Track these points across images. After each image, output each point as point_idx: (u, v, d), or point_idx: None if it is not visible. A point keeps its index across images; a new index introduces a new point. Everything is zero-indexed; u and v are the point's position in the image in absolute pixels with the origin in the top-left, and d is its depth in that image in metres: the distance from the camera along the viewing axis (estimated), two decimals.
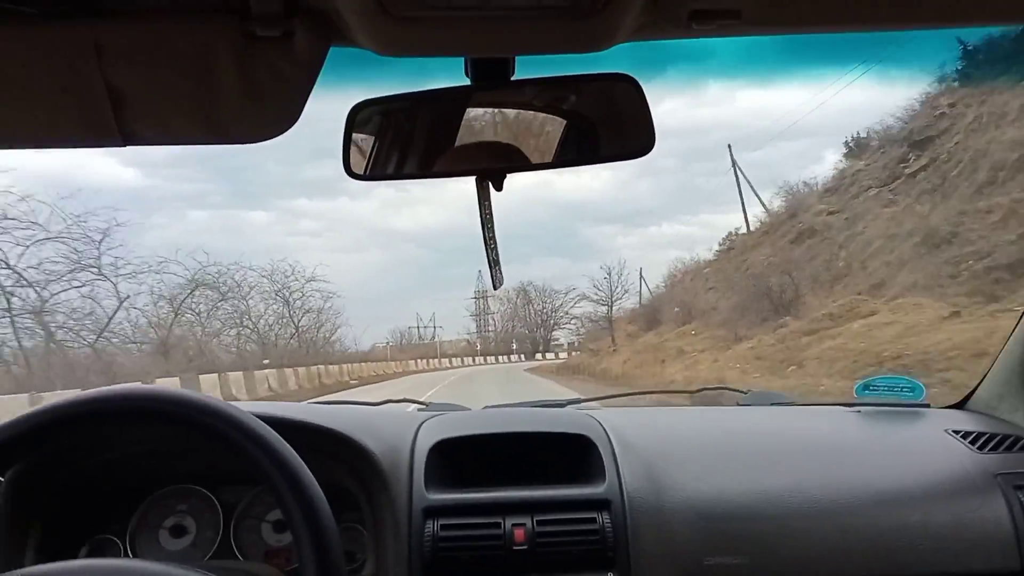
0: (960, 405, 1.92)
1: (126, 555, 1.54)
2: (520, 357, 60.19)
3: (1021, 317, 1.77)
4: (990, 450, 1.62)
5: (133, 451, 1.53)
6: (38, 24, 0.75)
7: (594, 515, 1.42)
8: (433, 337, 63.79)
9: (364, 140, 1.06)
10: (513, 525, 1.40)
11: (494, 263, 1.10)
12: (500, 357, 59.04)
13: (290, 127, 0.85)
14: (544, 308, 68.19)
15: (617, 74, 0.97)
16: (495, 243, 1.08)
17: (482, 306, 68.20)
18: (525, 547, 1.39)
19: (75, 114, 0.82)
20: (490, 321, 69.20)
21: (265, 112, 0.84)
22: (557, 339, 65.37)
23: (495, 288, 1.14)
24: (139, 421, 1.17)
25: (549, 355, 58.21)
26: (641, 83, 0.96)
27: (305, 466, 1.06)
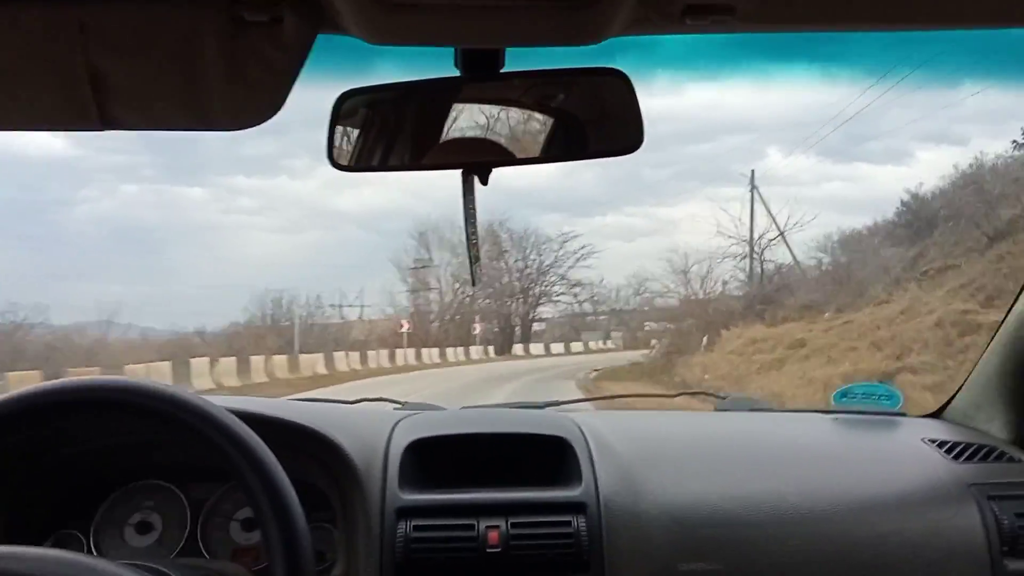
0: (937, 414, 1.93)
1: (89, 551, 1.51)
2: (488, 351, 39.19)
3: (998, 328, 1.79)
4: (965, 459, 1.63)
5: (100, 444, 1.50)
6: (22, 4, 0.73)
7: (569, 518, 1.41)
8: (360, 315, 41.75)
9: (350, 130, 1.04)
10: (487, 527, 1.39)
11: (475, 259, 1.09)
12: (450, 351, 35.84)
13: (273, 115, 0.84)
14: (528, 267, 46.42)
15: (608, 68, 0.96)
16: (476, 239, 1.06)
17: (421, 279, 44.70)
18: (499, 549, 1.38)
19: (55, 96, 0.80)
20: (432, 299, 45.75)
21: (249, 99, 0.82)
22: (540, 316, 47.78)
23: (474, 285, 1.13)
24: (108, 413, 1.15)
25: (537, 348, 41.65)
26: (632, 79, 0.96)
27: (277, 463, 1.05)
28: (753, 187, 29.14)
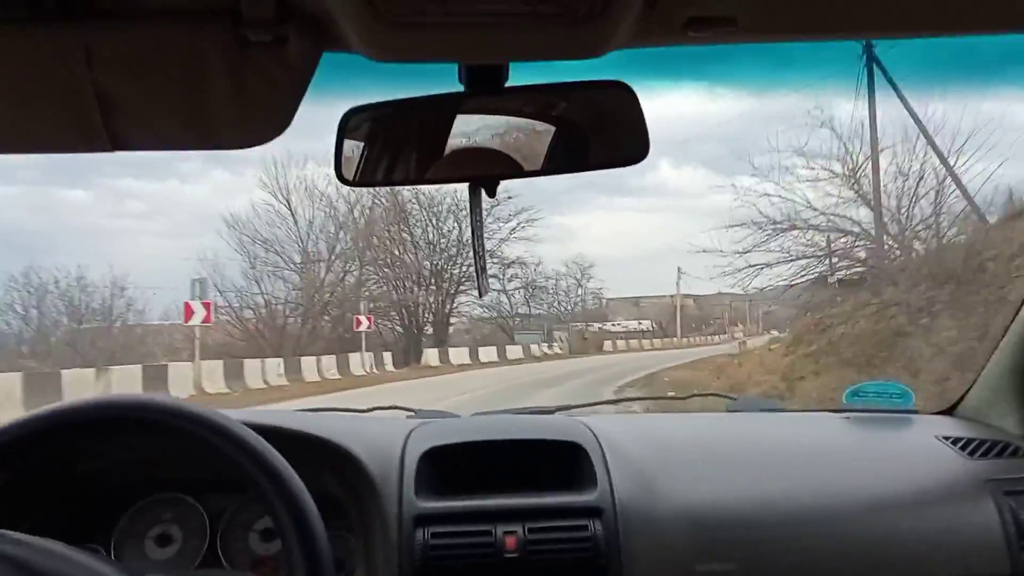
0: (949, 411, 1.92)
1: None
2: (383, 361, 27.02)
3: (1010, 323, 1.78)
4: (980, 456, 1.63)
5: (119, 459, 1.51)
6: (27, 28, 0.74)
7: (586, 523, 1.41)
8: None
9: (356, 146, 1.05)
10: (504, 533, 1.39)
11: (482, 270, 1.10)
12: (308, 363, 23.02)
13: (281, 132, 0.85)
14: (444, 240, 34.45)
15: (612, 81, 0.97)
16: (483, 250, 1.07)
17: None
18: (516, 555, 1.38)
19: (64, 119, 0.81)
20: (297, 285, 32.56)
21: (256, 118, 0.83)
22: (460, 309, 35.76)
23: (480, 296, 1.13)
24: (128, 431, 1.16)
25: (459, 355, 30.08)
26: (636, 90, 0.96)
27: (295, 474, 1.05)
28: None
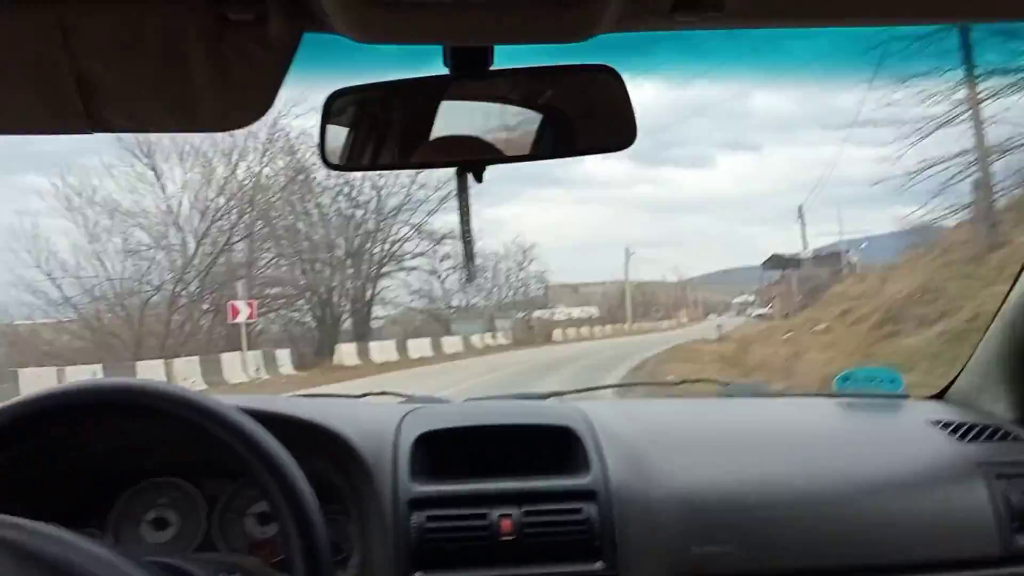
0: (940, 396, 1.93)
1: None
2: (274, 362, 20.74)
3: (999, 308, 1.79)
4: (971, 440, 1.64)
5: (115, 444, 1.51)
6: (3, 6, 0.73)
7: (580, 505, 1.42)
8: None
9: (341, 129, 1.05)
10: (500, 516, 1.40)
11: (470, 256, 1.09)
12: (149, 368, 15.77)
13: (263, 115, 0.84)
14: (361, 212, 28.99)
15: (598, 65, 0.96)
16: (471, 236, 1.07)
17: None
18: (512, 538, 1.39)
19: (41, 99, 0.80)
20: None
21: (237, 99, 0.82)
22: (383, 295, 30.29)
23: (470, 281, 1.13)
24: (121, 415, 1.16)
25: (384, 351, 25.04)
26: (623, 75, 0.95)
27: (290, 458, 1.06)
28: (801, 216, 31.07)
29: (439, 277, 32.75)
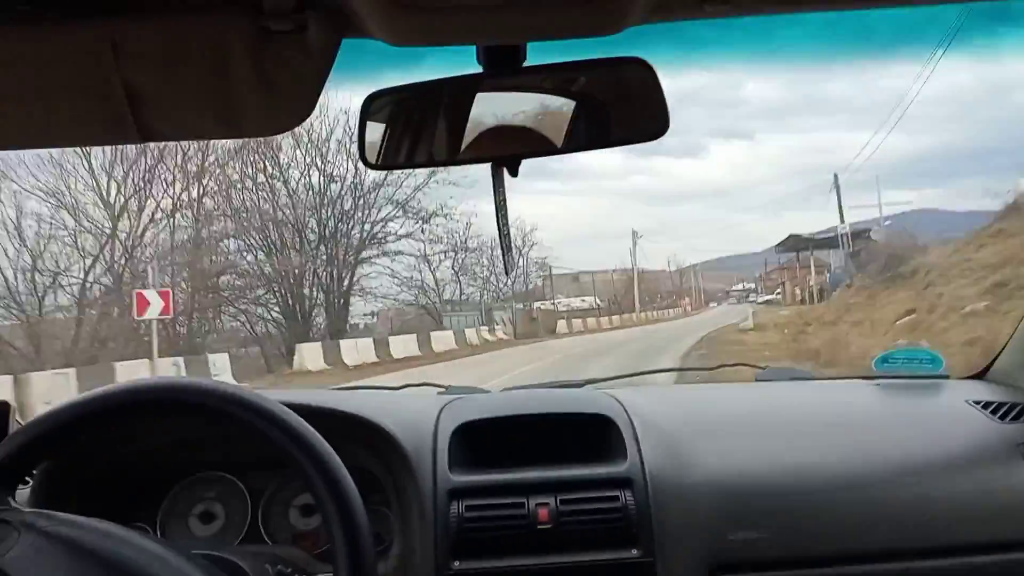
0: (980, 376, 1.91)
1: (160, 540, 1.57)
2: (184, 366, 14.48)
3: None
4: (1011, 420, 1.62)
5: (162, 441, 1.56)
6: (55, 24, 0.76)
7: (617, 493, 1.43)
8: None
9: (379, 129, 1.07)
10: (537, 504, 1.42)
11: (507, 248, 1.11)
12: None
13: (305, 119, 0.86)
14: (337, 186, 25.23)
15: (630, 58, 0.97)
16: (508, 229, 1.08)
17: None
18: (549, 526, 1.41)
19: (93, 112, 0.83)
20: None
21: (279, 105, 0.84)
22: (365, 283, 27.30)
23: (507, 274, 1.14)
24: (170, 413, 1.19)
25: (360, 351, 20.80)
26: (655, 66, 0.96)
27: (333, 452, 1.08)
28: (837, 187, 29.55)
29: (430, 264, 29.98)
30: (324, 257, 25.40)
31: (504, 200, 1.05)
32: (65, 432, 1.09)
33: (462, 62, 0.92)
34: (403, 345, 23.11)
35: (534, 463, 1.50)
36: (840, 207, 32.11)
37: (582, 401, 1.69)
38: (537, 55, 0.92)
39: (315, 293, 24.92)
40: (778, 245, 51.46)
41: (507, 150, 1.02)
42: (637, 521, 1.41)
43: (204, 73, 0.81)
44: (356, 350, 21.28)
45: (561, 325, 36.40)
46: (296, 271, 24.03)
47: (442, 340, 25.49)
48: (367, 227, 26.71)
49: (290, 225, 24.46)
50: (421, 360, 21.00)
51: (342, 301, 25.79)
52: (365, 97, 1.03)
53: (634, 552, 1.41)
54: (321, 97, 0.85)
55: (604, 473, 1.47)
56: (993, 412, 1.64)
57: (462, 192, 34.17)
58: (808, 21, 0.87)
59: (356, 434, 1.50)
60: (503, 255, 1.14)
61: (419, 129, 1.08)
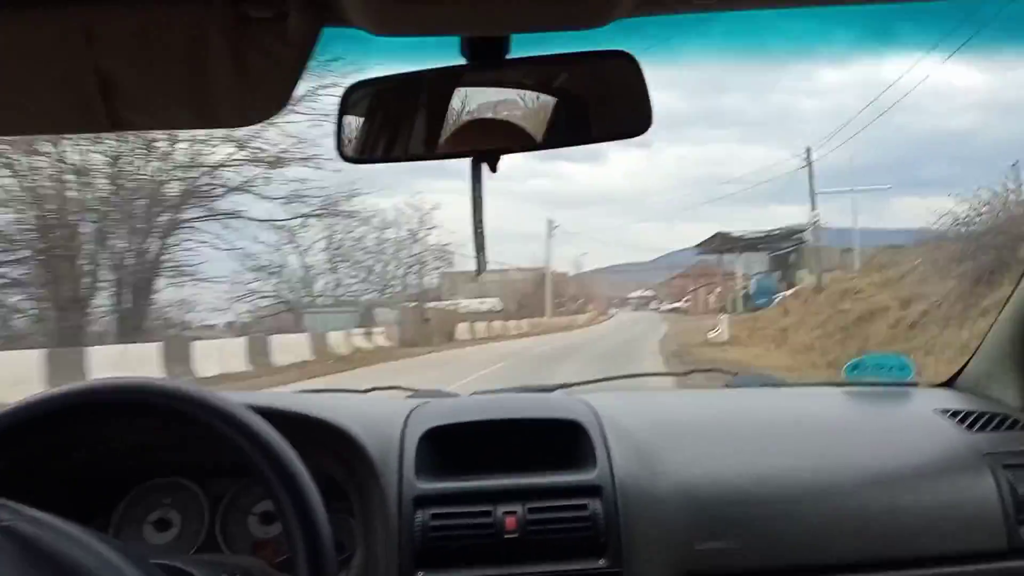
0: (949, 384, 1.93)
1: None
2: None
3: (1010, 296, 1.79)
4: (979, 429, 1.64)
5: (118, 444, 1.51)
6: (27, 10, 0.73)
7: (585, 502, 1.42)
8: None
9: (358, 121, 1.04)
10: (504, 513, 1.40)
11: (480, 248, 1.09)
12: None
13: (282, 109, 0.84)
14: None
15: (615, 51, 0.96)
16: (483, 227, 1.06)
17: None
18: (516, 535, 1.39)
19: (64, 101, 0.81)
20: None
21: (257, 95, 0.82)
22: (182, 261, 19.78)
23: (478, 273, 1.13)
24: (129, 414, 1.16)
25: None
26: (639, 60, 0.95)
27: (295, 456, 1.05)
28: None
29: (297, 246, 23.32)
30: (115, 214, 16.51)
31: (481, 197, 1.03)
32: (19, 433, 1.06)
33: (445, 53, 0.91)
34: (216, 356, 15.85)
35: (503, 469, 1.48)
36: (812, 189, 27.58)
37: (553, 406, 1.68)
38: (521, 48, 0.91)
39: (97, 277, 16.24)
40: (700, 245, 49.22)
41: (487, 144, 1.01)
42: (605, 530, 1.40)
43: (180, 61, 0.79)
44: (130, 360, 13.88)
45: (462, 329, 29.85)
46: (67, 234, 15.54)
47: (290, 348, 18.55)
48: (191, 184, 17.90)
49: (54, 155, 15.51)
50: (245, 379, 14.60)
51: (143, 290, 17.40)
52: (345, 88, 1.01)
53: (601, 562, 1.39)
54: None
55: (573, 481, 1.46)
56: (960, 421, 1.66)
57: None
58: (796, 15, 0.87)
59: (320, 439, 1.46)
60: (476, 253, 1.11)
61: (398, 122, 1.06)
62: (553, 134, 1.02)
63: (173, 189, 18.61)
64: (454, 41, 0.89)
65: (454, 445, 1.53)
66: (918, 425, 1.69)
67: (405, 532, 1.39)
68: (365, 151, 1.05)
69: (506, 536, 1.38)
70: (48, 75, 0.78)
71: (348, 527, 1.49)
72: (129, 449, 1.53)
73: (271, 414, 1.12)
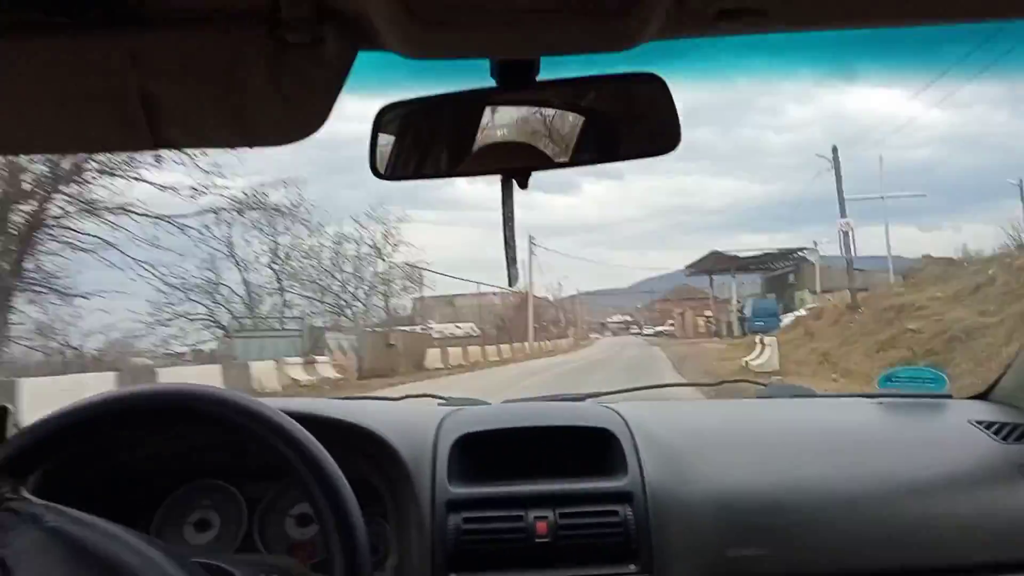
0: (983, 396, 1.91)
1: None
2: None
3: None
4: (1014, 440, 1.62)
5: (160, 447, 1.55)
6: (74, 34, 0.77)
7: (616, 508, 1.43)
8: None
9: (391, 141, 1.07)
10: (535, 518, 1.41)
11: (512, 261, 1.11)
12: None
13: (318, 129, 0.87)
14: None
15: (644, 73, 0.97)
16: (514, 242, 1.08)
17: None
18: (548, 540, 1.40)
19: (109, 120, 0.84)
20: None
21: (294, 116, 0.85)
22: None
23: (510, 285, 1.14)
24: (172, 420, 1.19)
25: None
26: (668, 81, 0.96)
27: (332, 461, 1.08)
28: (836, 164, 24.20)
29: (237, 261, 19.10)
30: None
31: (512, 213, 1.06)
32: (66, 436, 1.09)
33: (475, 76, 0.93)
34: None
35: (534, 476, 1.50)
36: (840, 191, 24.34)
37: (583, 414, 1.69)
38: (550, 70, 0.93)
39: None
40: (691, 265, 47.74)
41: (516, 163, 1.03)
42: (636, 536, 1.41)
43: (220, 84, 0.81)
44: None
45: (433, 356, 25.59)
46: None
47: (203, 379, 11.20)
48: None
49: None
50: None
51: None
52: (378, 109, 1.03)
53: (632, 568, 1.40)
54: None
55: (604, 487, 1.47)
56: (996, 432, 1.64)
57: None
58: (823, 38, 0.88)
59: (356, 444, 1.49)
60: (507, 267, 1.14)
61: (430, 141, 1.09)
62: (581, 152, 1.04)
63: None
64: (485, 63, 0.92)
65: (486, 451, 1.55)
66: (953, 436, 1.68)
67: (438, 535, 1.41)
68: (398, 168, 1.08)
69: (537, 540, 1.40)
70: (93, 94, 0.81)
71: (382, 530, 1.52)
72: (170, 453, 1.57)
73: (308, 420, 1.14)
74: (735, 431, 1.73)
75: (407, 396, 2.04)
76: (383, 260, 25.40)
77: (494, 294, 41.33)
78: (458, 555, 1.40)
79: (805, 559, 1.45)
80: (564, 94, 1.02)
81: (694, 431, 1.69)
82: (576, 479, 1.49)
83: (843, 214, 24.34)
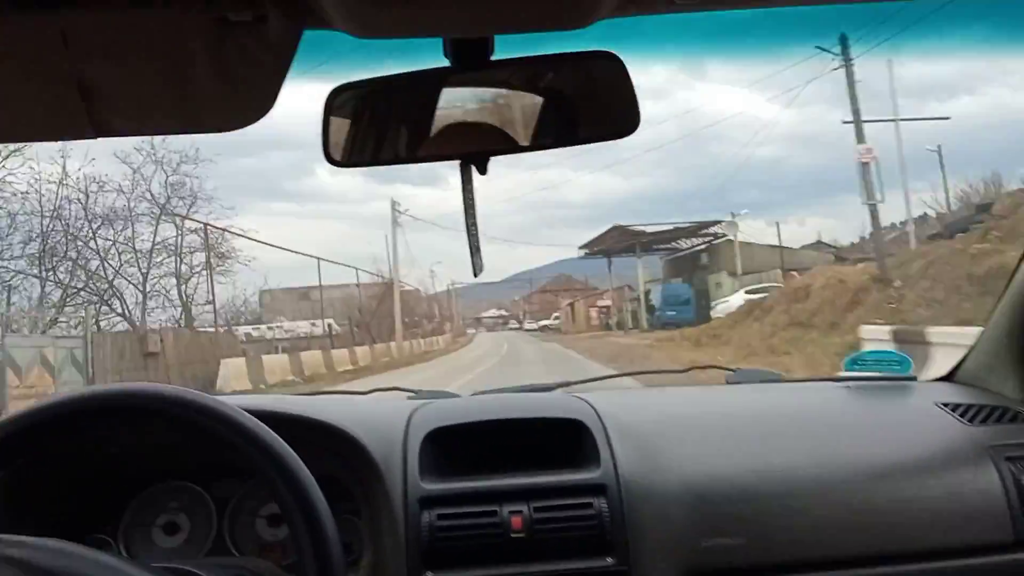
0: (948, 377, 1.93)
1: (119, 555, 1.52)
2: None
3: (1005, 288, 1.78)
4: (980, 422, 1.63)
5: (124, 449, 1.52)
6: (2, 15, 0.73)
7: (591, 500, 1.42)
8: None
9: (343, 125, 1.04)
10: (510, 512, 1.40)
11: (475, 249, 1.09)
12: None
13: (265, 113, 0.84)
14: None
15: (600, 52, 0.95)
16: (476, 229, 1.06)
17: None
18: (523, 534, 1.39)
19: (45, 107, 0.81)
20: None
21: (240, 99, 0.82)
22: None
23: (475, 275, 1.12)
24: (137, 419, 1.16)
25: None
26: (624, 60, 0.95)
27: (298, 459, 1.06)
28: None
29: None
30: None
31: (472, 200, 1.03)
32: (36, 434, 1.06)
33: (428, 56, 0.90)
34: None
35: (506, 469, 1.48)
36: (853, 95, 18.15)
37: (554, 405, 1.68)
38: (505, 49, 0.91)
39: None
40: (588, 244, 39.87)
41: (475, 147, 1.01)
42: (611, 529, 1.40)
43: (160, 65, 0.78)
44: None
45: (235, 369, 17.83)
46: None
47: None
48: None
49: None
50: None
51: None
52: (329, 92, 1.01)
53: (608, 560, 1.39)
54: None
55: (578, 479, 1.46)
56: (962, 415, 1.65)
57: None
58: (778, 14, 0.87)
59: (323, 441, 1.47)
60: (471, 256, 1.11)
61: (385, 125, 1.06)
62: (541, 135, 1.02)
63: None
64: (438, 43, 0.89)
65: (457, 445, 1.54)
66: (920, 419, 1.69)
67: (412, 533, 1.39)
68: (353, 154, 1.05)
69: (513, 535, 1.38)
70: (27, 79, 0.78)
71: (355, 529, 1.50)
72: (135, 454, 1.53)
73: (272, 418, 1.12)
74: (706, 418, 1.73)
75: (376, 389, 2.02)
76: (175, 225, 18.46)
77: (358, 285, 35.49)
78: (433, 552, 1.38)
79: (778, 546, 1.45)
80: (520, 74, 1.00)
81: (665, 419, 1.69)
82: (549, 471, 1.47)
83: (860, 139, 18.09)
